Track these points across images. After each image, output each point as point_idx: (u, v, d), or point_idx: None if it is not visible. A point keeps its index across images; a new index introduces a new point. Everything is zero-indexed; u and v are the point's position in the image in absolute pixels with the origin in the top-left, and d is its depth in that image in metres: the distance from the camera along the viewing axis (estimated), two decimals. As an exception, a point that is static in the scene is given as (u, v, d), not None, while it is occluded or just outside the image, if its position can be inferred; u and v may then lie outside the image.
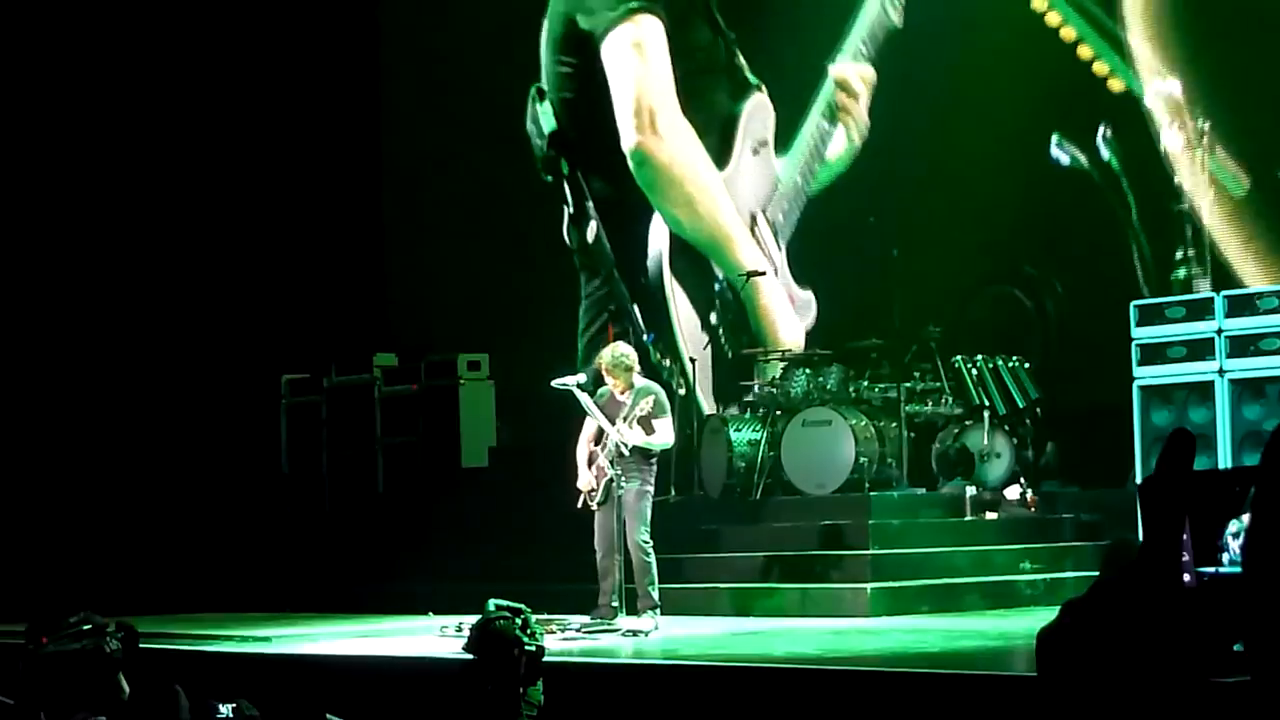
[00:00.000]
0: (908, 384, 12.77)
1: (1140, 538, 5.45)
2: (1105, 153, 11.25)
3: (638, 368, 11.56)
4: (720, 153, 15.46)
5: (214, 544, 15.59)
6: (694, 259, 14.96)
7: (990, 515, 12.25)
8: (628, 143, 14.96)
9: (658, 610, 10.90)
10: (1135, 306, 11.63)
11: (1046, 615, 8.68)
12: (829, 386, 12.70)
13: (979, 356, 12.70)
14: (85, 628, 7.87)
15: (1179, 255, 11.20)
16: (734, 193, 15.42)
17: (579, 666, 8.95)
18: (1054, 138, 11.63)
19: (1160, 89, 11.23)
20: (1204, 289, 11.19)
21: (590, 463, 11.07)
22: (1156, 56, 11.62)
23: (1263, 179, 11.46)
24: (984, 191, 12.72)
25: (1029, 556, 11.95)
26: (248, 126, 18.76)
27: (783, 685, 8.39)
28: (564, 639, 10.20)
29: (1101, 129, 11.27)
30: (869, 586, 11.39)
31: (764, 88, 15.50)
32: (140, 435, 17.16)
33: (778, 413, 12.59)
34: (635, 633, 10.69)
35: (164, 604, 13.58)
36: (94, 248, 18.20)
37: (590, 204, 14.95)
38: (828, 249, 14.68)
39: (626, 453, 10.91)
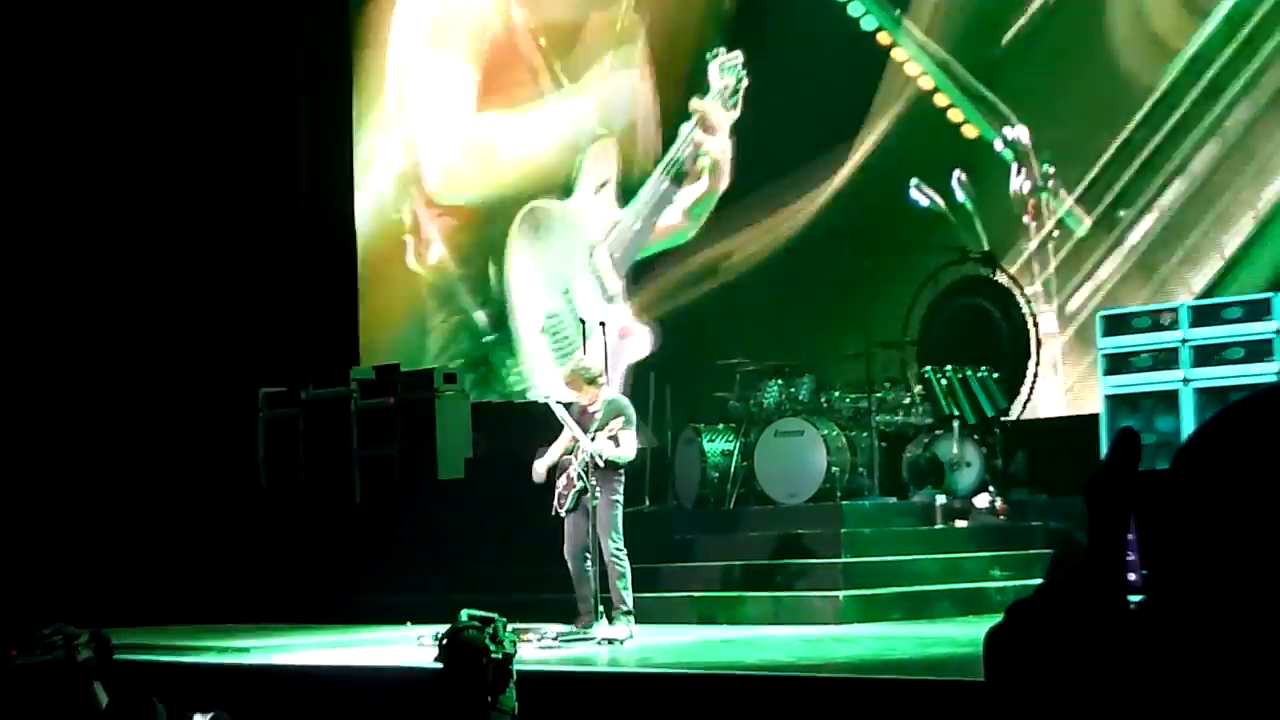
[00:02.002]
0: (879, 394, 12.78)
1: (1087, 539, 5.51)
2: (960, 195, 11.44)
3: (603, 379, 11.60)
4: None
5: (192, 555, 15.59)
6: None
7: (960, 523, 12.30)
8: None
9: (632, 617, 10.94)
10: (1101, 317, 11.71)
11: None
12: (801, 397, 12.73)
13: (948, 367, 12.70)
14: (56, 639, 7.87)
15: (1028, 290, 11.49)
16: (577, 224, 16.28)
17: (555, 675, 8.98)
18: (913, 181, 11.58)
19: (1009, 133, 11.48)
20: (1049, 320, 11.55)
21: (561, 471, 11.10)
22: (1005, 106, 11.87)
23: (1102, 219, 11.72)
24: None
25: (999, 563, 11.99)
26: (225, 148, 18.79)
27: (756, 693, 8.46)
28: (541, 647, 10.25)
29: (956, 173, 11.45)
30: (841, 594, 11.45)
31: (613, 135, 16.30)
32: (117, 447, 17.15)
33: (750, 423, 12.60)
34: (611, 641, 10.71)
35: (141, 615, 13.57)
36: (76, 262, 18.22)
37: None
38: (805, 265, 14.61)
39: (601, 464, 10.95)
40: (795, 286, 13.67)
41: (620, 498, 11.16)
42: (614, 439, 11.04)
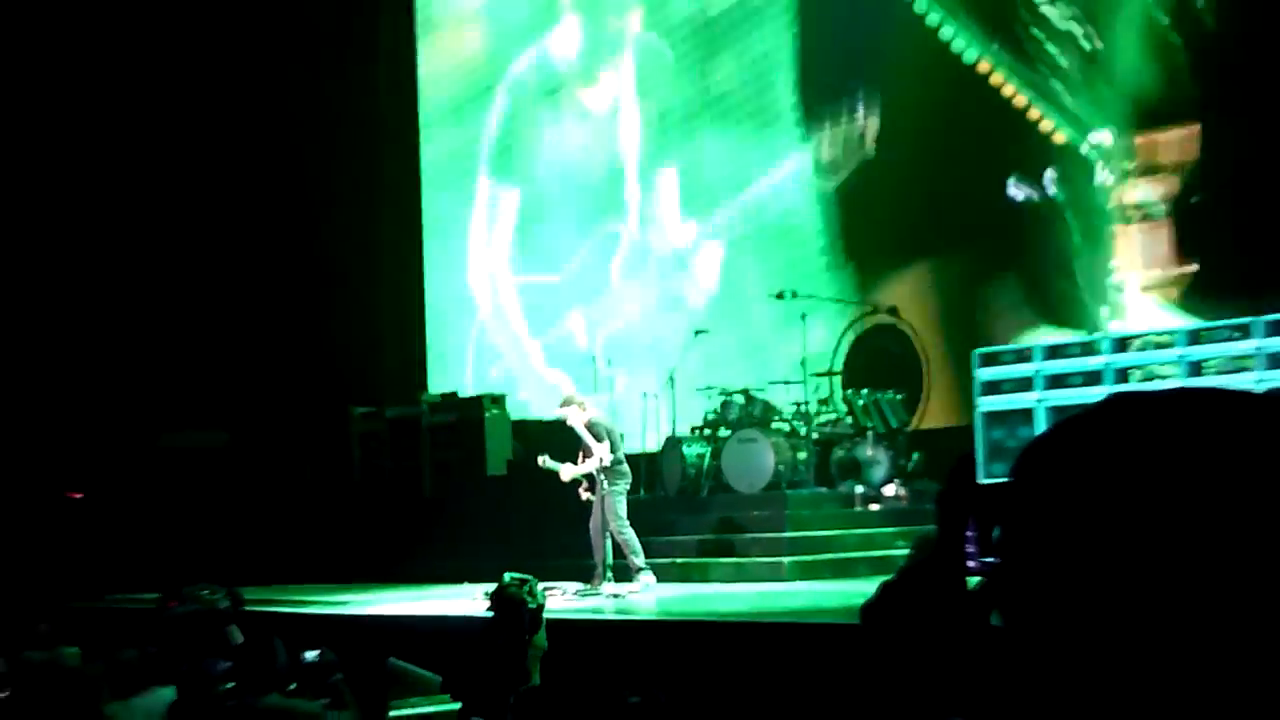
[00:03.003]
0: (814, 411, 12.78)
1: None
2: (1052, 190, 11.07)
3: (579, 400, 11.68)
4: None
5: (303, 532, 15.58)
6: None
7: (874, 506, 12.33)
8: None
9: (645, 571, 10.97)
10: (977, 354, 11.68)
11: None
12: (755, 414, 12.74)
13: (865, 390, 12.71)
14: (203, 593, 7.83)
15: (1112, 264, 11.08)
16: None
17: (575, 621, 8.96)
18: (1010, 178, 11.21)
19: (1095, 138, 11.08)
20: (1132, 293, 11.09)
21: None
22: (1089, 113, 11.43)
23: (1179, 204, 11.26)
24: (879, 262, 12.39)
25: (903, 536, 11.96)
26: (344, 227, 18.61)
27: (724, 635, 8.46)
28: (564, 600, 10.23)
29: (1049, 172, 11.09)
30: (786, 560, 11.46)
31: None
32: (252, 456, 17.14)
33: (719, 433, 12.60)
34: (617, 595, 10.70)
35: (265, 576, 13.57)
36: (235, 313, 18.15)
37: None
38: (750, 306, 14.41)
39: (605, 465, 11.05)
40: (753, 328, 13.42)
41: (620, 489, 11.15)
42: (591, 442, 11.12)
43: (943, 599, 2.09)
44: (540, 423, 12.53)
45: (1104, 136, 10.87)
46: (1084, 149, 10.92)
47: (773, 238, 15.04)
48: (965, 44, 11.53)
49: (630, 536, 11.04)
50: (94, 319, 17.47)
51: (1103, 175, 10.83)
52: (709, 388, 13.43)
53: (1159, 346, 10.83)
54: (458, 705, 7.13)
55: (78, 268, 17.42)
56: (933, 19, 11.52)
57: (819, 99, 14.41)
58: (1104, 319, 10.90)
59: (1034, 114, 11.27)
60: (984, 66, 11.52)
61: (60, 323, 17.31)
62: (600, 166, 12.55)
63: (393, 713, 6.64)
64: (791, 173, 14.41)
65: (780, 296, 12.88)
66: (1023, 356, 11.43)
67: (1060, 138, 11.09)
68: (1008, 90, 11.42)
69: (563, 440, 11.50)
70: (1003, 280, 13.13)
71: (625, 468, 11.26)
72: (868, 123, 13.96)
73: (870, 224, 13.78)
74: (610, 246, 12.50)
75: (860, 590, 10.96)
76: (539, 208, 12.63)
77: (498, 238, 12.58)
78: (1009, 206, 11.06)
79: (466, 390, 13.45)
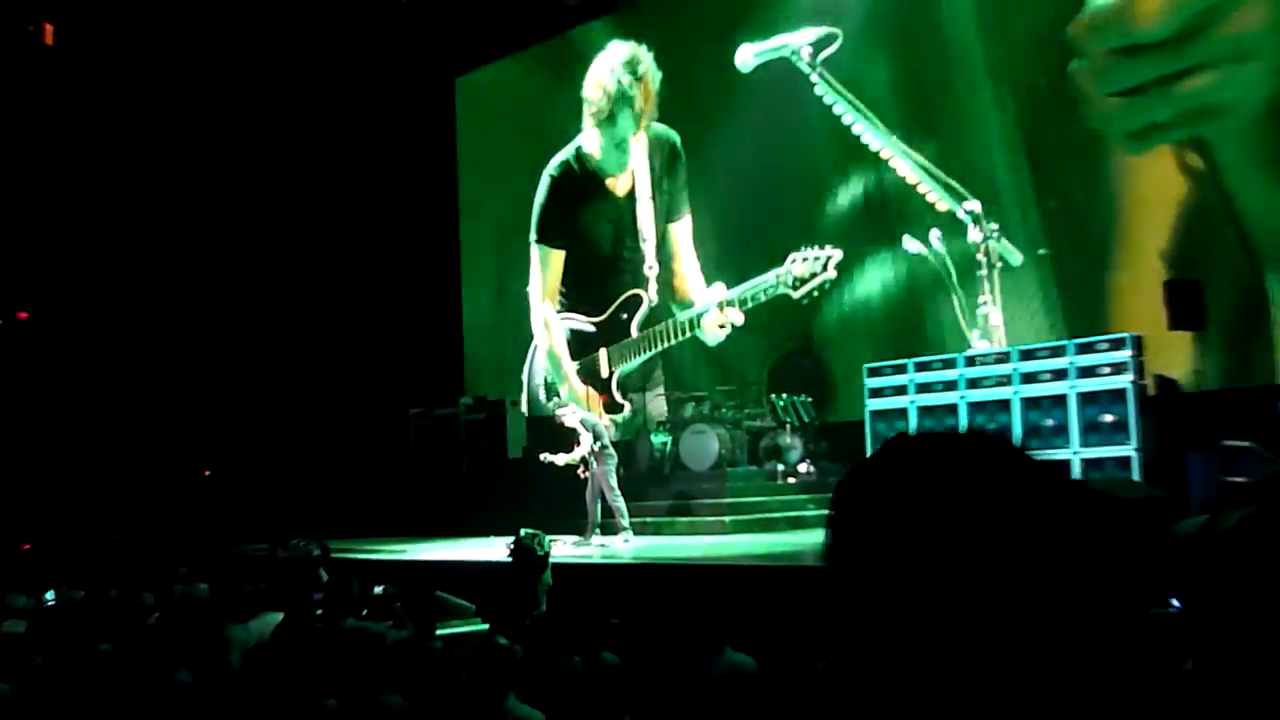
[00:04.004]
0: (747, 409, 12.80)
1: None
2: (938, 245, 11.01)
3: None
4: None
5: (374, 499, 15.57)
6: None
7: (791, 480, 12.33)
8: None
9: (626, 529, 10.95)
10: (866, 367, 11.71)
11: (820, 535, 8.61)
12: (705, 411, 12.73)
13: (784, 394, 12.73)
14: (299, 543, 7.84)
15: (979, 300, 11.03)
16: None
17: (572, 565, 8.97)
18: (905, 236, 11.01)
19: (966, 206, 11.02)
20: (995, 319, 10.88)
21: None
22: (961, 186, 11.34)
23: (1028, 258, 11.22)
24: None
25: (812, 502, 11.98)
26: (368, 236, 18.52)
27: (682, 574, 8.50)
28: (564, 549, 10.28)
29: (934, 231, 11.04)
30: (727, 519, 11.49)
31: None
32: (341, 446, 17.15)
33: (678, 426, 12.61)
34: (603, 546, 10.72)
35: (346, 531, 13.55)
36: (326, 341, 18.10)
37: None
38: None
39: (594, 450, 11.09)
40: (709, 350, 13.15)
41: (610, 467, 11.16)
42: (579, 436, 11.19)
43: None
44: (545, 418, 12.48)
45: (974, 205, 10.86)
46: (959, 214, 10.91)
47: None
48: (873, 137, 11.45)
49: (620, 503, 11.04)
50: (224, 348, 17.42)
51: (974, 233, 10.83)
52: (666, 392, 13.46)
53: (999, 361, 10.90)
54: (485, 626, 7.16)
55: (215, 301, 17.37)
56: (845, 120, 11.48)
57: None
58: (974, 340, 10.93)
59: (922, 189, 11.23)
60: (885, 153, 11.46)
61: (198, 345, 17.27)
62: (626, 238, 12.41)
63: (439, 631, 6.65)
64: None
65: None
66: (899, 369, 11.49)
67: (943, 206, 11.06)
68: (903, 170, 11.37)
69: (556, 432, 11.58)
70: (898, 311, 13.25)
71: (611, 450, 11.27)
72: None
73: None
74: (634, 305, 12.26)
75: (780, 541, 10.98)
76: (587, 264, 12.37)
77: (550, 288, 12.36)
78: (904, 256, 11.14)
79: (522, 393, 13.15)
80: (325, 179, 17.97)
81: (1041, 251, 11.36)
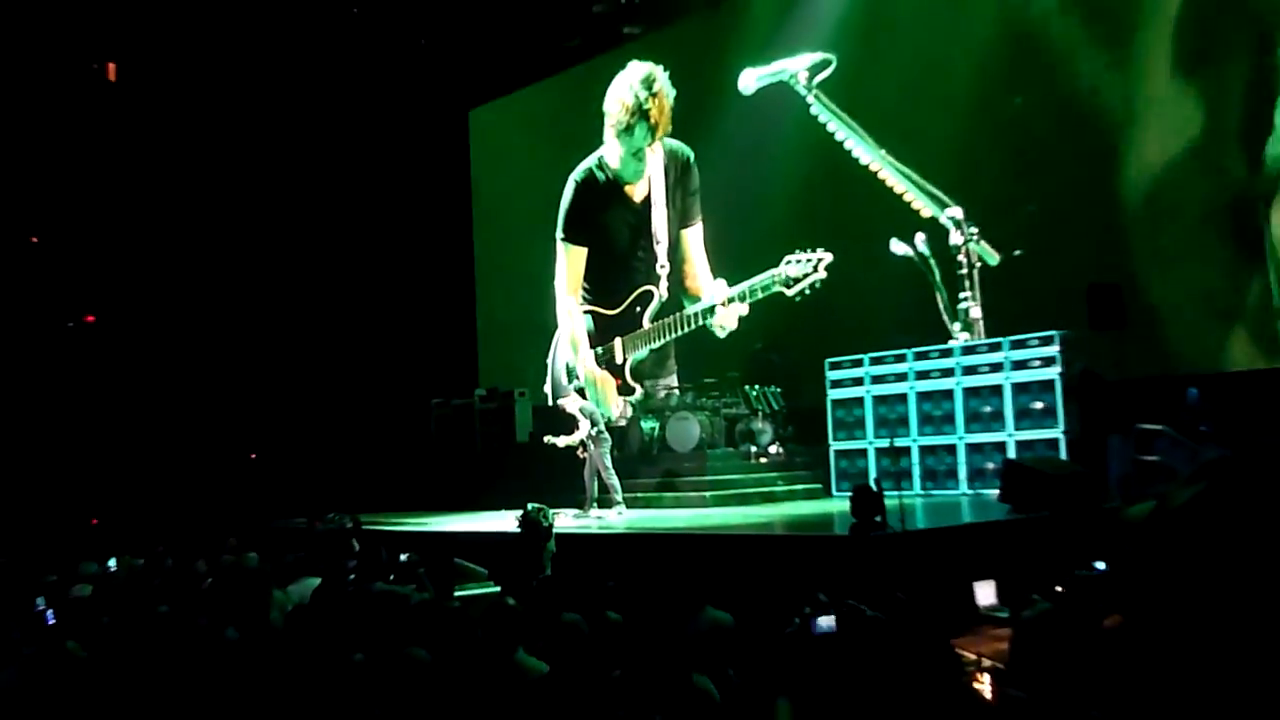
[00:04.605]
0: (725, 399, 12.76)
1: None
2: (923, 248, 10.84)
3: (575, 393, 11.78)
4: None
5: (400, 479, 15.53)
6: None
7: (763, 460, 12.29)
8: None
9: (619, 503, 10.89)
10: (827, 362, 11.70)
11: (788, 508, 8.60)
12: (688, 400, 12.69)
13: (756, 385, 12.70)
14: (333, 517, 7.81)
15: (961, 296, 10.91)
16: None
17: (573, 534, 8.95)
18: (893, 239, 10.69)
19: (949, 213, 10.93)
20: (975, 313, 10.74)
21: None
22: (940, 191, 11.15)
23: (1006, 258, 10.93)
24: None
25: (782, 479, 11.98)
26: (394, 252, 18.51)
27: (669, 542, 8.45)
28: (566, 521, 10.27)
29: (919, 235, 10.87)
30: (707, 494, 11.44)
31: None
32: (371, 432, 17.12)
33: (664, 412, 12.57)
34: (600, 517, 10.67)
35: (375, 506, 13.52)
36: (359, 341, 18.06)
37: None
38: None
39: (591, 434, 11.06)
40: (692, 341, 13.03)
41: (605, 449, 11.15)
42: (578, 422, 11.19)
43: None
44: (549, 407, 12.43)
45: (956, 211, 10.80)
46: (942, 219, 10.83)
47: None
48: (863, 151, 11.35)
49: (614, 481, 11.03)
50: (269, 349, 17.39)
51: (955, 237, 10.76)
52: (660, 382, 13.44)
53: (943, 355, 10.90)
54: (497, 588, 7.14)
55: (261, 308, 17.34)
56: (838, 137, 11.42)
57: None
58: (956, 332, 10.86)
59: (908, 197, 11.11)
60: (874, 166, 11.38)
61: (246, 346, 17.23)
62: (641, 239, 12.35)
63: (457, 592, 6.63)
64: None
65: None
66: (856, 363, 11.49)
67: (926, 212, 10.97)
68: (890, 181, 11.27)
69: (559, 419, 11.55)
70: (887, 307, 12.68)
71: (606, 434, 11.25)
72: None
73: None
74: (647, 300, 12.21)
75: (754, 514, 10.98)
76: (606, 261, 12.32)
77: (573, 283, 12.37)
78: (892, 258, 10.97)
79: (546, 376, 13.07)
80: (361, 203, 18.10)
81: (1017, 252, 11.28)
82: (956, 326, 10.77)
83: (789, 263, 10.58)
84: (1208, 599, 1.33)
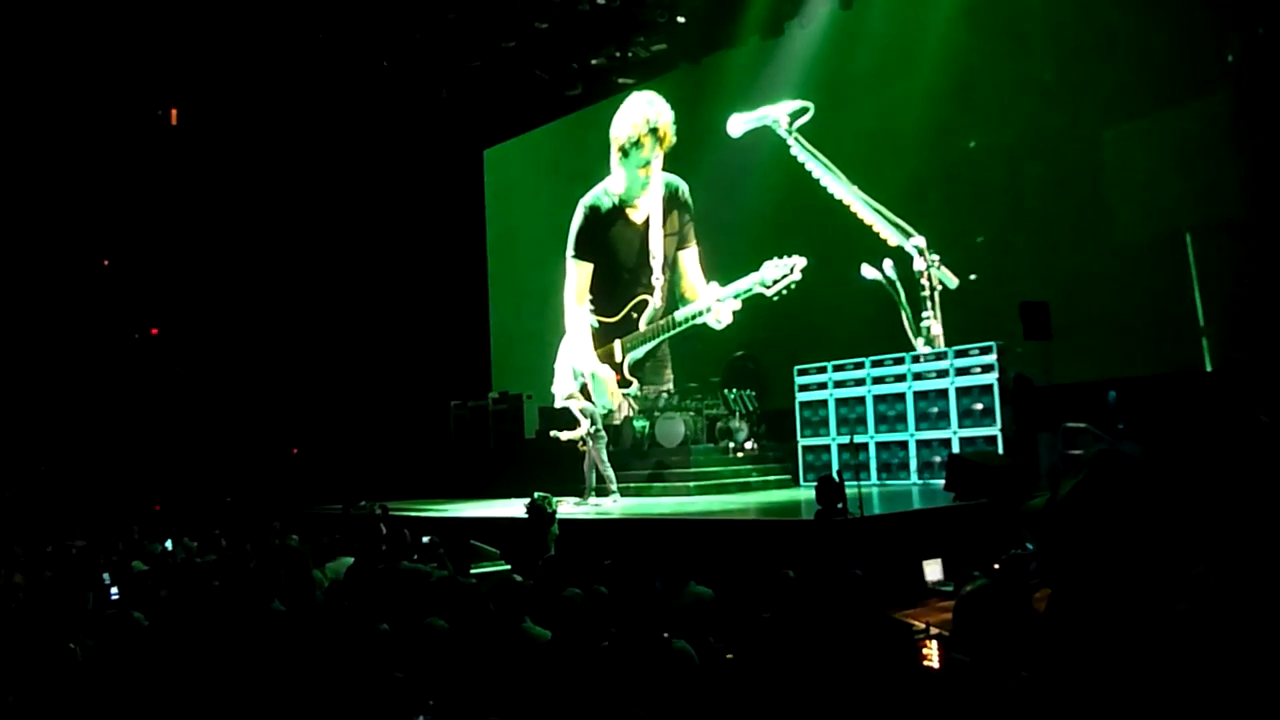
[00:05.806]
0: (706, 400, 12.77)
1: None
2: (891, 273, 10.87)
3: (576, 393, 11.78)
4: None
5: (423, 470, 15.47)
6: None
7: (740, 454, 12.28)
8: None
9: (615, 492, 10.85)
10: (796, 370, 11.69)
11: (761, 496, 8.57)
12: (674, 402, 12.70)
13: (734, 389, 12.71)
14: (363, 503, 7.78)
15: (924, 315, 10.93)
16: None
17: (574, 520, 8.93)
18: (863, 264, 10.71)
19: (913, 241, 10.94)
20: (936, 330, 10.70)
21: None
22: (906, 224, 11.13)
23: (963, 282, 10.95)
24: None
25: (756, 470, 11.97)
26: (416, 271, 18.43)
27: (658, 526, 8.42)
28: (568, 508, 10.24)
29: (887, 261, 10.90)
30: (691, 484, 11.42)
31: None
32: (397, 430, 17.05)
33: (654, 412, 12.58)
34: (597, 505, 10.64)
35: (401, 494, 13.47)
36: (388, 350, 17.99)
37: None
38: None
39: (590, 432, 11.03)
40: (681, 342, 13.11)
41: (601, 445, 11.13)
42: (577, 420, 11.11)
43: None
44: (553, 408, 12.45)
45: (919, 240, 10.87)
46: (907, 247, 10.88)
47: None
48: (837, 187, 11.42)
49: (610, 472, 11.02)
50: (308, 358, 17.35)
51: (919, 263, 10.82)
52: (659, 388, 13.43)
53: (896, 363, 10.92)
54: (507, 566, 7.12)
55: (301, 323, 17.31)
56: (815, 174, 11.53)
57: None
58: (919, 346, 10.89)
59: (877, 227, 11.17)
60: (846, 199, 11.47)
61: (288, 355, 17.19)
62: (641, 256, 12.48)
63: (472, 569, 6.62)
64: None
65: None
66: (821, 369, 11.50)
67: (893, 240, 11.02)
68: (861, 214, 11.34)
69: (561, 419, 11.50)
70: (850, 322, 12.52)
71: (603, 432, 11.25)
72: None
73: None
74: (642, 307, 12.44)
75: (732, 500, 10.97)
76: (609, 275, 12.47)
77: (581, 294, 12.63)
78: (860, 281, 10.97)
79: (554, 377, 13.15)
80: (389, 231, 18.11)
81: (972, 277, 11.32)
82: (920, 342, 10.84)
83: (768, 267, 10.84)
84: (1096, 572, 1.37)
